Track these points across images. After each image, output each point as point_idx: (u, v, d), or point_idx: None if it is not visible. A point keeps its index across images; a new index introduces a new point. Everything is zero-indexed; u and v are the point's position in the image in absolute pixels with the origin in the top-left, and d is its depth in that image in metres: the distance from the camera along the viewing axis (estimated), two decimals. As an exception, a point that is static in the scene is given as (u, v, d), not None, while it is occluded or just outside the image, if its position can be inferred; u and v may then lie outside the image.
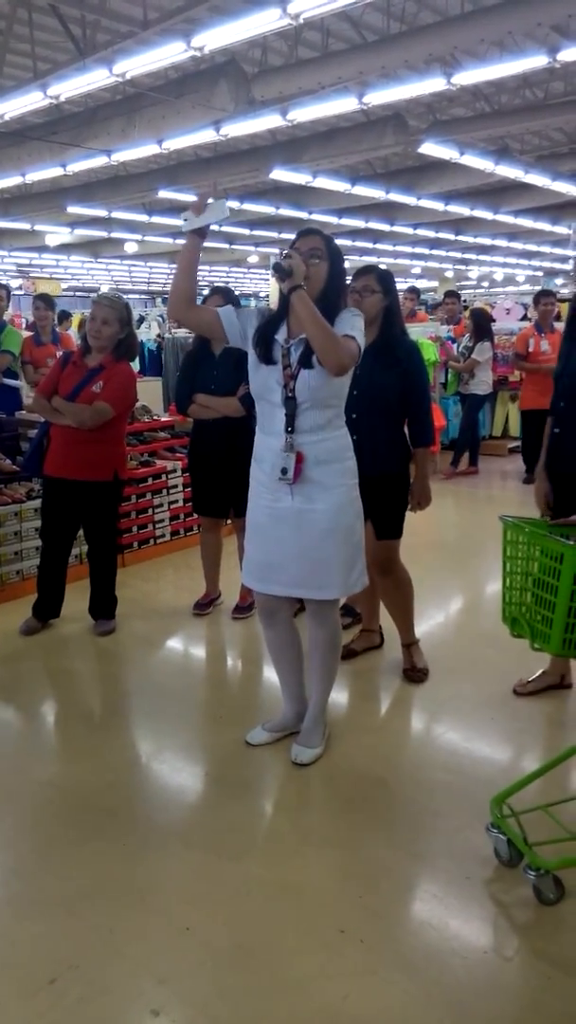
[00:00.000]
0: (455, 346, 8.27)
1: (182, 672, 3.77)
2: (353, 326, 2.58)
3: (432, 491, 3.47)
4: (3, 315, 6.24)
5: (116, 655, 3.90)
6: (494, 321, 9.27)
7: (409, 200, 12.61)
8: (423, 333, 7.79)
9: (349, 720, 3.24)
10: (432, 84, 7.11)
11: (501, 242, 19.25)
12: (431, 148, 9.34)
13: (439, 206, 13.37)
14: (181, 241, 2.67)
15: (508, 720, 3.17)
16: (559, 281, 21.65)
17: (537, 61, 6.47)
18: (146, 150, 8.96)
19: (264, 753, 2.94)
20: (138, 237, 17.03)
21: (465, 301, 13.00)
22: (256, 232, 16.37)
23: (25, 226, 15.18)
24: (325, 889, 2.24)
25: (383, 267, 3.46)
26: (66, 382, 3.84)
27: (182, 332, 10.35)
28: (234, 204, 12.68)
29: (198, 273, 2.69)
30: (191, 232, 2.58)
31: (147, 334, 12.07)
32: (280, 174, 10.40)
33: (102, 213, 13.86)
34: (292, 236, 2.73)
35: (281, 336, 2.62)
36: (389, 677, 3.57)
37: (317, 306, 2.46)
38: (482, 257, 22.79)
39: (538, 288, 10.48)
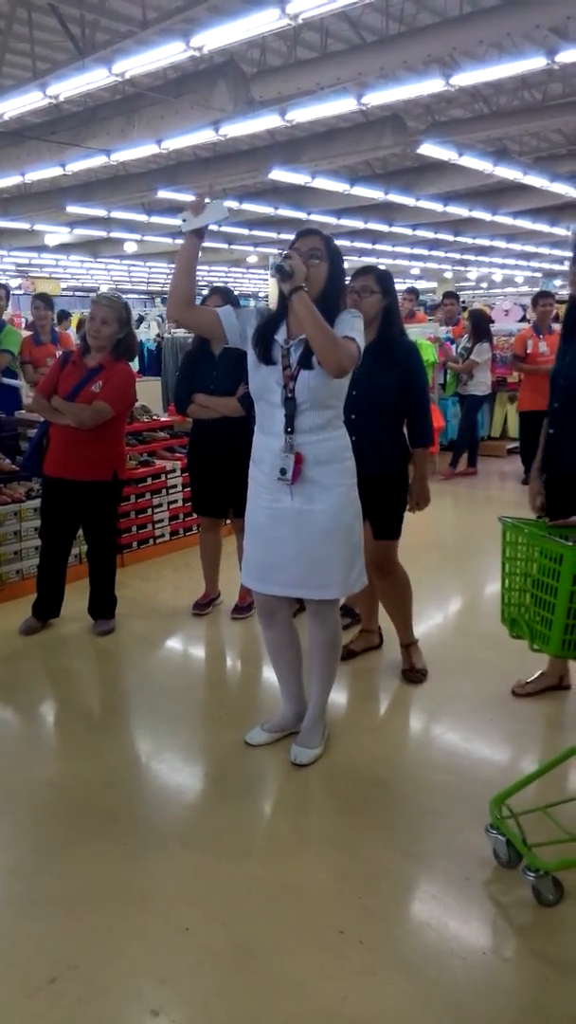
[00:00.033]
0: (454, 347, 8.27)
1: (181, 672, 3.77)
2: (353, 327, 2.58)
3: (431, 492, 3.47)
4: (2, 315, 6.24)
5: (115, 655, 3.90)
6: (493, 322, 9.27)
7: (408, 201, 12.61)
8: (422, 334, 7.79)
9: (348, 721, 3.24)
10: (431, 85, 7.12)
11: (500, 243, 19.27)
12: (430, 149, 9.35)
13: (438, 207, 13.38)
14: (180, 241, 2.67)
15: (507, 721, 3.18)
16: (558, 282, 21.67)
17: (535, 63, 6.48)
18: (145, 150, 8.96)
19: (263, 753, 2.94)
20: (137, 237, 17.03)
21: (464, 302, 13.01)
22: (255, 232, 16.37)
23: (24, 226, 15.18)
24: (324, 890, 2.24)
25: (382, 268, 3.46)
26: (65, 382, 3.84)
27: (181, 332, 10.35)
28: (233, 204, 12.68)
29: (197, 273, 2.69)
30: (190, 232, 2.58)
31: (146, 334, 12.06)
32: (279, 174, 10.40)
33: (101, 213, 13.85)
34: (291, 236, 2.74)
35: (281, 336, 2.62)
36: (388, 678, 3.57)
37: (317, 306, 2.46)
38: (481, 258, 22.81)
39: (537, 289, 10.48)
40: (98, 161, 9.33)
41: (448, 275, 25.72)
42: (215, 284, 4.76)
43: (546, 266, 25.29)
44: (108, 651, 3.93)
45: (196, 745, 3.05)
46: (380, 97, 7.38)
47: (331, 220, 14.48)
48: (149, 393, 8.11)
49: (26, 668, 3.73)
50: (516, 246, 20.24)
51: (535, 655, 2.35)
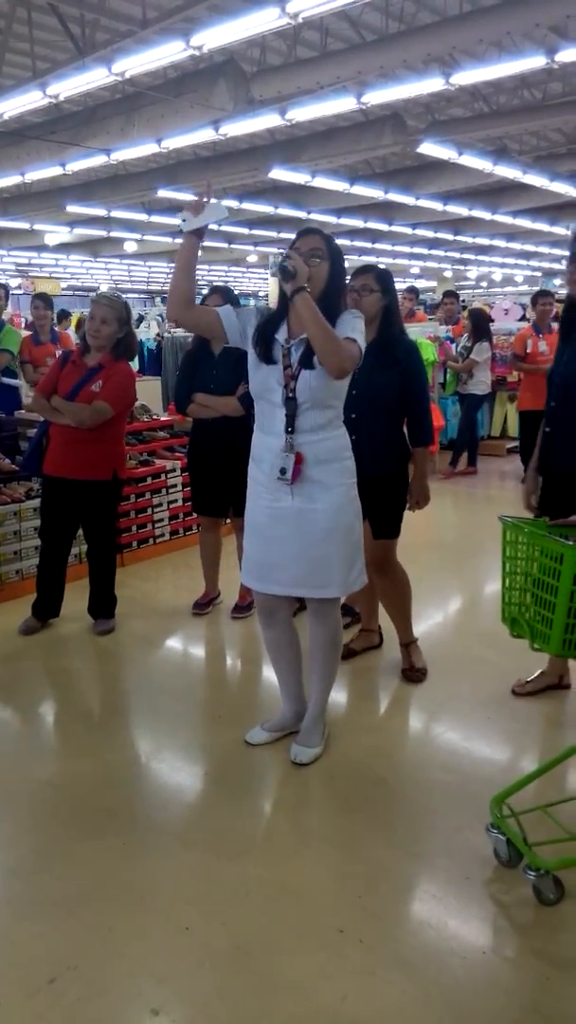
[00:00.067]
0: (454, 346, 8.27)
1: (181, 672, 3.77)
2: (354, 328, 2.58)
3: (431, 491, 3.47)
4: (2, 314, 6.24)
5: (115, 654, 3.90)
6: (493, 321, 9.27)
7: (408, 200, 12.61)
8: (422, 333, 7.79)
9: (348, 720, 3.24)
10: (431, 84, 7.10)
11: (499, 242, 19.26)
12: (429, 148, 9.34)
13: (438, 206, 13.37)
14: (180, 241, 2.67)
15: (507, 720, 3.18)
16: (557, 282, 21.65)
17: (535, 62, 6.47)
18: (145, 149, 8.96)
19: (263, 753, 2.94)
20: (137, 236, 17.02)
21: (464, 301, 13.01)
22: (255, 231, 16.36)
23: (24, 225, 15.17)
24: (324, 889, 2.24)
25: (382, 267, 3.46)
26: (65, 381, 3.84)
27: (181, 332, 10.34)
28: (233, 203, 12.67)
29: (197, 273, 2.69)
30: (189, 232, 2.57)
31: (146, 333, 12.06)
32: (279, 173, 10.40)
33: (101, 212, 13.84)
34: (291, 235, 2.73)
35: (281, 336, 2.62)
36: (388, 677, 3.57)
37: (318, 306, 2.46)
38: (480, 257, 22.81)
39: (536, 288, 10.48)
40: (98, 160, 9.32)
41: (448, 274, 25.72)
42: (215, 283, 4.76)
43: (546, 265, 25.29)
44: (108, 651, 3.93)
45: (196, 744, 3.05)
46: (380, 96, 7.37)
47: (331, 219, 14.48)
48: (149, 392, 8.10)
49: (26, 668, 3.73)
50: (516, 245, 20.23)
51: (535, 654, 2.35)
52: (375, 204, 13.46)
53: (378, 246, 19.21)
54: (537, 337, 7.15)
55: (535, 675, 3.40)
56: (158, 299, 25.91)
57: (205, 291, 4.30)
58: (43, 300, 6.88)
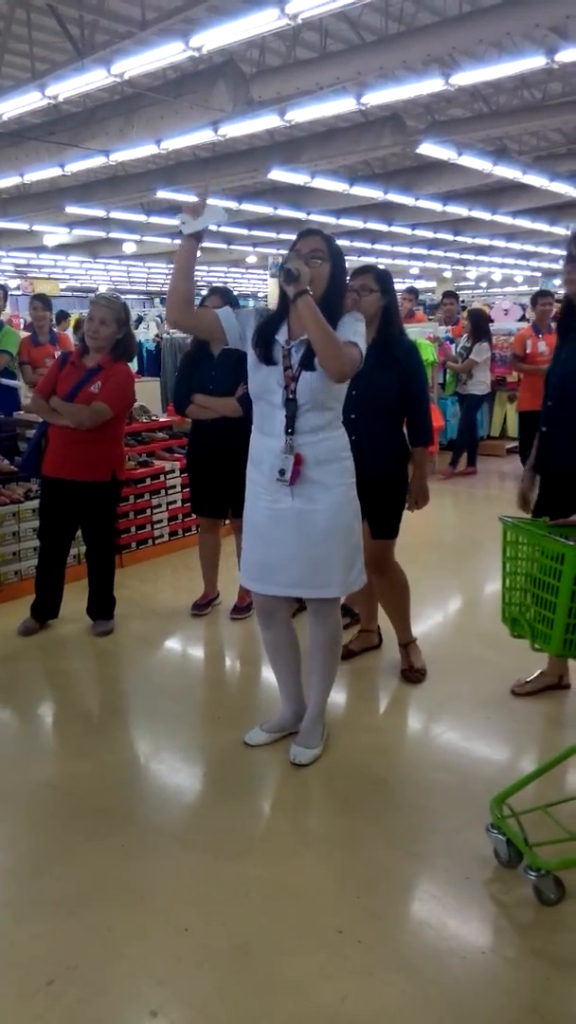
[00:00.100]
0: (453, 346, 8.27)
1: (180, 673, 3.77)
2: (356, 332, 2.57)
3: (431, 491, 3.47)
4: (0, 315, 6.24)
5: (114, 656, 3.90)
6: (492, 322, 9.27)
7: (407, 200, 12.61)
8: (421, 333, 7.79)
9: (348, 720, 3.24)
10: (430, 85, 7.11)
11: (499, 243, 19.27)
12: (429, 148, 9.34)
13: (437, 206, 13.38)
14: (179, 242, 2.67)
15: (506, 720, 3.18)
16: (557, 282, 21.64)
17: (535, 62, 6.48)
18: (144, 150, 8.96)
19: (262, 754, 2.93)
20: (136, 237, 17.02)
21: (463, 301, 13.01)
22: (254, 232, 16.37)
23: (23, 226, 15.17)
24: (324, 889, 2.23)
25: (381, 267, 3.46)
26: (64, 382, 3.84)
27: (180, 333, 10.32)
28: (232, 204, 12.67)
29: (196, 274, 2.69)
30: (187, 236, 2.56)
31: (145, 334, 12.06)
32: (278, 174, 10.40)
33: (100, 213, 13.85)
34: (290, 236, 2.73)
35: (282, 337, 2.62)
36: (387, 677, 3.57)
37: (319, 307, 2.45)
38: (480, 258, 22.82)
39: (536, 289, 10.48)
40: (97, 161, 9.33)
41: (447, 274, 25.73)
42: (214, 284, 4.76)
43: (545, 265, 25.30)
44: (107, 652, 3.92)
45: (195, 745, 3.05)
46: (379, 97, 7.38)
47: (330, 220, 14.48)
48: (148, 393, 8.10)
49: (25, 669, 3.72)
50: (515, 245, 20.24)
51: (534, 654, 2.35)
52: (375, 205, 13.46)
53: (378, 247, 19.22)
54: (537, 337, 7.15)
55: (535, 675, 3.39)
56: (157, 300, 25.91)
57: (204, 292, 4.30)
58: (42, 301, 6.88)
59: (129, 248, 18.19)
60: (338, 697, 3.35)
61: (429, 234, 17.19)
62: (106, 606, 4.13)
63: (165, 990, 1.90)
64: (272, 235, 16.66)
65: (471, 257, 22.41)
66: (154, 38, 6.13)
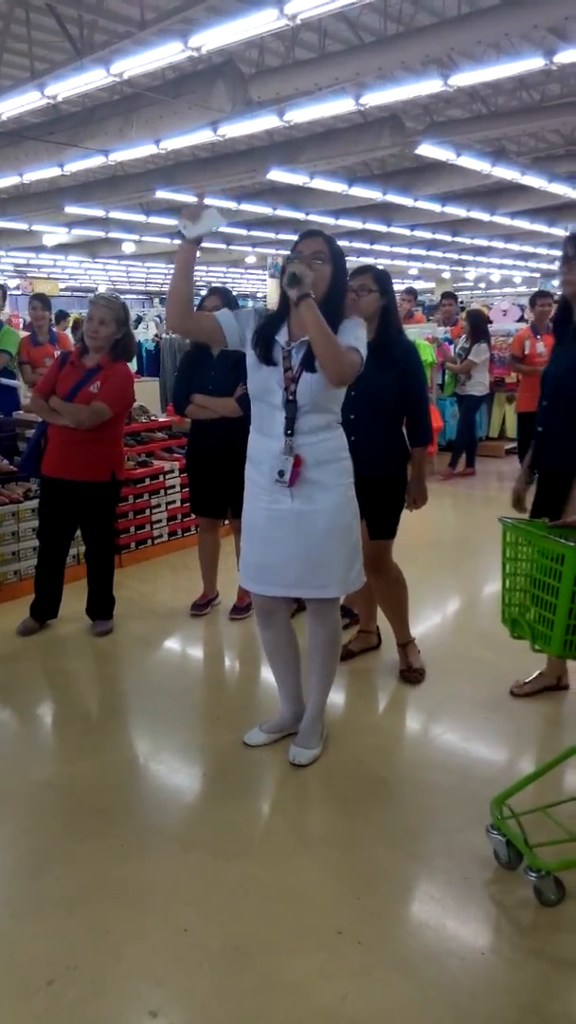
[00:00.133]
0: (452, 347, 8.27)
1: (180, 673, 3.77)
2: (357, 338, 2.57)
3: (429, 492, 3.47)
4: (0, 314, 6.24)
5: (113, 656, 3.90)
6: (491, 322, 9.28)
7: (406, 201, 12.61)
8: (420, 334, 7.79)
9: (347, 721, 3.24)
10: (429, 85, 7.11)
11: (498, 243, 19.27)
12: (428, 149, 9.35)
13: (436, 207, 13.38)
14: (178, 241, 2.67)
15: (505, 721, 3.18)
16: (556, 283, 21.66)
17: (533, 63, 6.48)
18: (143, 150, 8.96)
19: (262, 754, 2.93)
20: (135, 237, 17.02)
21: (462, 302, 13.02)
22: (253, 232, 16.36)
23: (22, 226, 15.16)
24: (323, 890, 2.23)
25: (380, 267, 3.46)
26: (64, 382, 3.84)
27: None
28: (231, 204, 12.67)
29: (195, 273, 2.69)
30: (187, 241, 2.56)
31: (145, 334, 12.06)
32: (277, 175, 10.40)
33: (99, 213, 13.84)
34: (289, 236, 2.74)
35: (282, 338, 2.61)
36: (387, 678, 3.57)
37: (320, 308, 2.45)
38: (479, 258, 22.82)
39: (535, 290, 10.48)
40: (96, 161, 9.32)
41: (446, 275, 25.73)
42: (213, 284, 4.76)
43: (544, 266, 25.31)
44: (106, 652, 3.92)
45: (194, 746, 3.05)
46: (378, 97, 7.38)
47: (329, 220, 14.48)
48: (147, 393, 8.10)
49: (24, 669, 3.72)
50: (514, 246, 20.25)
51: (533, 655, 2.35)
52: (373, 205, 13.46)
53: (376, 247, 19.23)
54: (535, 338, 7.16)
55: (533, 676, 3.40)
56: (156, 300, 25.90)
57: (204, 292, 4.30)
58: (41, 301, 6.89)
59: (128, 248, 18.18)
60: (337, 697, 3.35)
61: (428, 235, 17.20)
62: (105, 606, 4.13)
63: (164, 990, 1.90)
64: (271, 235, 16.66)
65: (470, 258, 22.42)
66: (153, 38, 6.13)
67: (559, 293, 3.78)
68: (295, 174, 10.64)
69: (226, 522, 4.34)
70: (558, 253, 3.13)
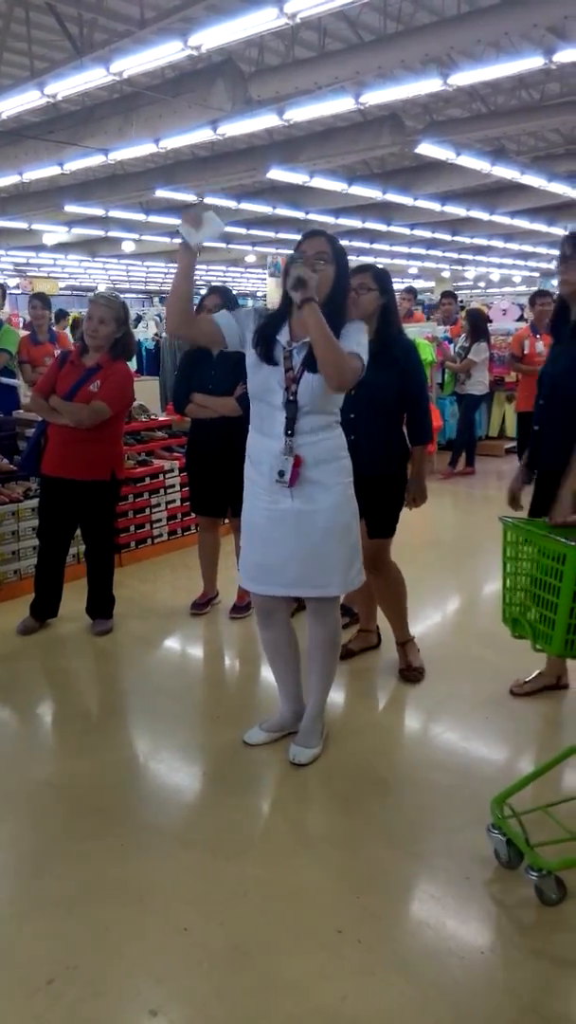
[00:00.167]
0: (451, 346, 8.27)
1: (179, 672, 3.77)
2: (359, 343, 2.57)
3: (429, 491, 3.47)
4: None
5: (113, 655, 3.90)
6: (491, 322, 9.28)
7: (406, 200, 12.61)
8: (420, 333, 7.79)
9: (347, 720, 3.24)
10: (428, 84, 7.10)
11: (497, 243, 19.27)
12: (428, 148, 9.34)
13: (436, 206, 13.37)
14: (177, 240, 2.67)
15: (505, 720, 3.18)
16: (555, 282, 21.66)
17: (533, 62, 6.47)
18: (143, 149, 8.95)
19: (262, 753, 2.93)
20: (135, 236, 17.01)
21: (462, 301, 13.01)
22: (253, 231, 16.35)
23: (22, 225, 15.15)
24: (323, 889, 2.23)
25: (380, 266, 3.46)
26: (63, 381, 3.84)
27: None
28: (231, 203, 12.65)
29: (195, 272, 2.69)
30: (186, 247, 2.55)
31: (144, 333, 12.06)
32: (277, 174, 10.39)
33: (99, 212, 13.83)
34: (289, 235, 2.74)
35: (283, 338, 2.61)
36: (386, 677, 3.57)
37: (323, 309, 2.44)
38: (479, 258, 22.81)
39: (534, 289, 10.49)
40: (96, 160, 9.32)
41: (446, 274, 25.72)
42: (213, 283, 4.76)
43: (544, 265, 25.30)
44: (106, 651, 3.92)
45: (194, 745, 3.05)
46: (378, 96, 7.37)
47: (329, 219, 14.48)
48: (147, 392, 8.10)
49: (24, 668, 3.72)
50: (514, 245, 20.24)
51: (533, 654, 2.35)
52: (373, 204, 13.46)
53: (376, 246, 19.22)
54: (535, 337, 7.15)
55: (533, 675, 3.40)
56: (156, 299, 25.89)
57: (203, 291, 4.29)
58: (41, 300, 6.88)
59: (128, 247, 18.17)
60: (337, 697, 3.35)
61: (427, 234, 17.18)
62: (105, 605, 4.13)
63: (164, 989, 1.90)
64: (271, 234, 16.65)
65: (469, 257, 22.41)
66: (153, 37, 6.13)
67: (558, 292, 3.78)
68: (295, 173, 10.63)
69: (226, 521, 4.34)
70: (557, 252, 3.13)
